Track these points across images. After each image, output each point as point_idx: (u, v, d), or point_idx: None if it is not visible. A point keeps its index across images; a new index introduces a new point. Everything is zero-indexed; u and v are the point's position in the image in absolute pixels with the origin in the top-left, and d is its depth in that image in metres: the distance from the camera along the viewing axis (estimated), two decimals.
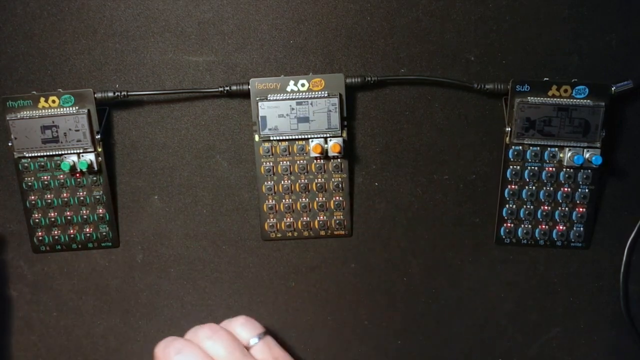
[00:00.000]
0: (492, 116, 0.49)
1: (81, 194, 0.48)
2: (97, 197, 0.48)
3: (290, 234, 0.49)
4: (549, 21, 0.48)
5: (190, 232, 0.49)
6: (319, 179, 0.48)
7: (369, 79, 0.47)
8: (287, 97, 0.46)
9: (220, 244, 0.50)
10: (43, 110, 0.46)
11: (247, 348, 0.44)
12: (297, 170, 0.48)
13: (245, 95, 0.47)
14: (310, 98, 0.46)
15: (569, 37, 0.48)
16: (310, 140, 0.47)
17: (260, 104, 0.47)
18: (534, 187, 0.48)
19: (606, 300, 0.50)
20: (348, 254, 0.50)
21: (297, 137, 0.47)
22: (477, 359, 0.50)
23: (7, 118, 0.46)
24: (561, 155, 0.47)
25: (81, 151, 0.47)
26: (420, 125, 0.49)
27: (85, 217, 0.48)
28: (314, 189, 0.48)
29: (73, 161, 0.47)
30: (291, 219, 0.49)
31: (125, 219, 0.49)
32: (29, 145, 0.46)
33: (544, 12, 0.48)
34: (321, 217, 0.49)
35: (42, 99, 0.46)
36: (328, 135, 0.47)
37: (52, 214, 0.48)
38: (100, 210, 0.49)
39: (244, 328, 0.44)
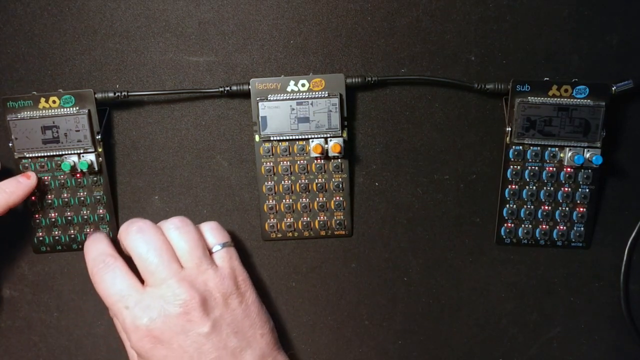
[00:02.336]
0: (493, 116, 0.49)
1: (82, 194, 0.48)
2: (98, 197, 0.48)
3: (290, 234, 0.49)
4: (549, 21, 0.48)
5: None
6: (320, 179, 0.48)
7: (369, 79, 0.47)
8: (288, 97, 0.46)
9: None
10: (43, 111, 0.46)
11: (210, 252, 0.45)
12: (297, 171, 0.48)
13: (246, 95, 0.47)
14: (311, 98, 0.46)
15: (569, 37, 0.48)
16: (310, 140, 0.47)
17: (260, 104, 0.47)
18: (534, 187, 0.48)
19: (606, 300, 0.50)
20: (348, 254, 0.50)
21: (297, 137, 0.47)
22: (478, 359, 0.50)
23: (8, 118, 0.46)
24: (561, 155, 0.47)
25: (82, 151, 0.47)
26: (420, 125, 0.49)
27: (85, 217, 0.48)
28: (315, 189, 0.48)
29: (73, 161, 0.47)
30: (291, 219, 0.49)
31: (125, 219, 0.49)
32: (30, 146, 0.46)
33: (544, 12, 0.48)
34: (321, 217, 0.49)
35: (43, 100, 0.46)
36: (328, 135, 0.47)
37: (53, 215, 0.48)
38: (101, 211, 0.49)
39: (212, 233, 0.46)
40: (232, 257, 0.45)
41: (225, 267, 0.44)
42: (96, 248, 0.44)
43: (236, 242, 0.48)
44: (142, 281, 0.43)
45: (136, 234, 0.43)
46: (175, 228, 0.44)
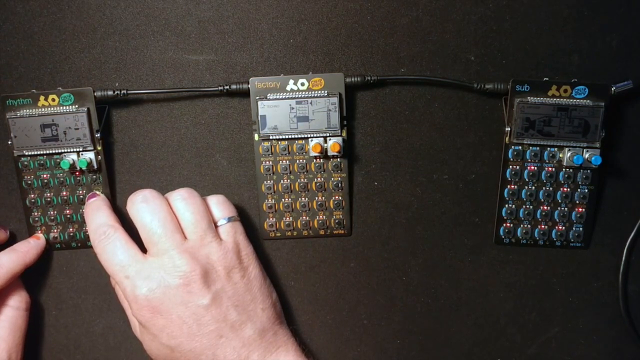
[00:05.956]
0: (492, 116, 0.49)
1: (81, 192, 0.48)
2: None
3: (289, 233, 0.49)
4: (549, 21, 0.48)
5: None
6: (319, 179, 0.48)
7: (369, 78, 0.47)
8: (287, 97, 0.46)
9: None
10: (43, 109, 0.46)
11: (216, 226, 0.45)
12: (296, 170, 0.48)
13: (245, 94, 0.47)
14: (310, 97, 0.46)
15: (569, 37, 0.48)
16: (309, 139, 0.47)
17: (260, 103, 0.47)
18: (533, 187, 0.48)
19: (606, 300, 0.50)
20: (347, 254, 0.50)
21: (296, 136, 0.47)
22: (477, 359, 0.50)
23: (7, 116, 0.46)
24: (561, 155, 0.47)
25: (81, 149, 0.47)
26: (420, 125, 0.49)
27: (84, 215, 0.48)
28: (314, 188, 0.48)
29: (73, 160, 0.47)
30: (291, 218, 0.49)
31: (124, 217, 0.49)
32: (29, 144, 0.46)
33: (544, 12, 0.48)
34: (321, 217, 0.49)
35: (42, 98, 0.46)
36: (328, 134, 0.47)
37: (52, 213, 0.48)
38: None
39: (218, 206, 0.46)
40: (237, 232, 0.45)
41: (229, 241, 0.44)
42: (96, 218, 0.45)
43: (242, 217, 0.48)
44: (145, 250, 0.43)
45: (141, 204, 0.43)
46: (182, 199, 0.44)
